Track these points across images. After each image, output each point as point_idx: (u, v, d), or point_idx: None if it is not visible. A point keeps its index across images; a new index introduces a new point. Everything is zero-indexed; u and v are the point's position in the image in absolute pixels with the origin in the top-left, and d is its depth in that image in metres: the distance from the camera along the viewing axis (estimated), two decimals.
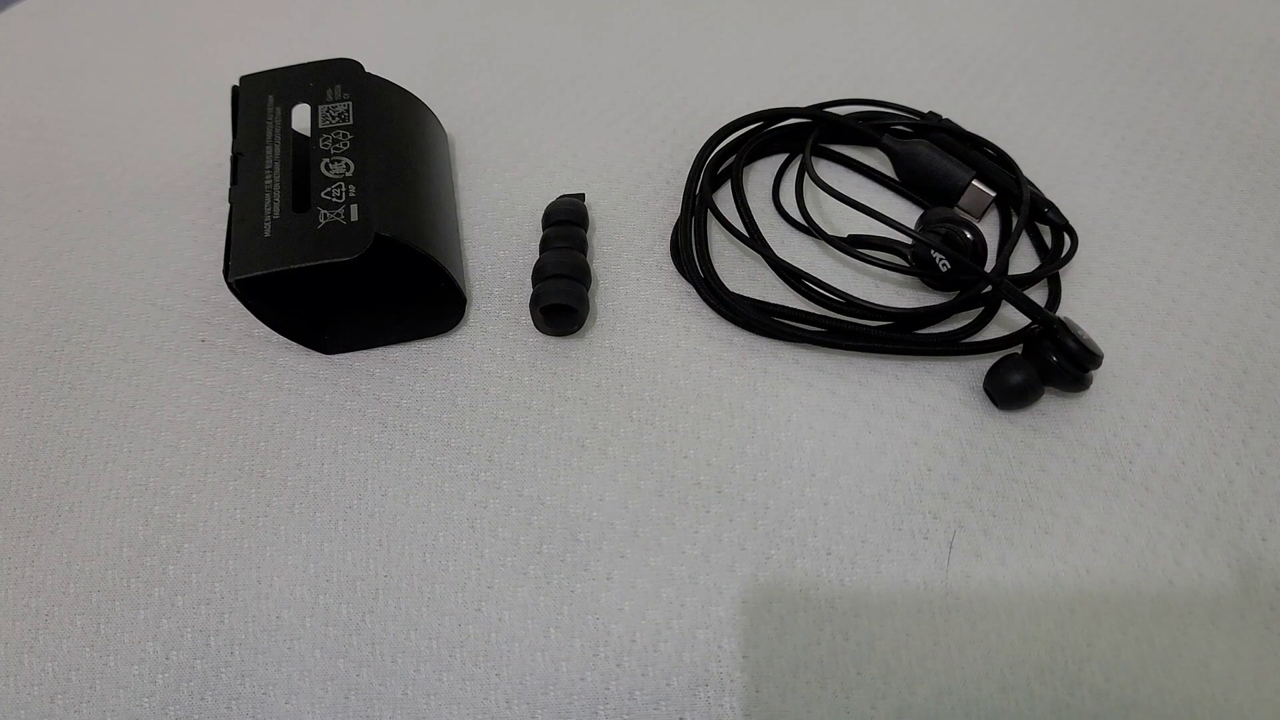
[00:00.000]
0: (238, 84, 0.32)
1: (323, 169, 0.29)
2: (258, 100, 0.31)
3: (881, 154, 0.38)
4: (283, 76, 0.32)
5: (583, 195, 0.36)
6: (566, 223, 0.34)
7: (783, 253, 0.35)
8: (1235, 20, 0.46)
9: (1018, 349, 0.31)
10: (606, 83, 0.42)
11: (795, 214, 0.36)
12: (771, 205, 0.37)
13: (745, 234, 0.34)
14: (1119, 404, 0.31)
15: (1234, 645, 0.26)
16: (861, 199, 0.37)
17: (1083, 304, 0.34)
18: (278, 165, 0.29)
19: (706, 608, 0.27)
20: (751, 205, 0.36)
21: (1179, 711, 0.25)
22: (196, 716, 0.25)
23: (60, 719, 0.25)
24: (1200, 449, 0.30)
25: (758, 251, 0.33)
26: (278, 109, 0.31)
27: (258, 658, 0.26)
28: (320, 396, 0.31)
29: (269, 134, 0.30)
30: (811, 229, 0.34)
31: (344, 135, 0.30)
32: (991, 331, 0.33)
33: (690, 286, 0.34)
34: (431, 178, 0.33)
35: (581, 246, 0.33)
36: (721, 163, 0.37)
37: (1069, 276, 0.34)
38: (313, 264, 0.26)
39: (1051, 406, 0.31)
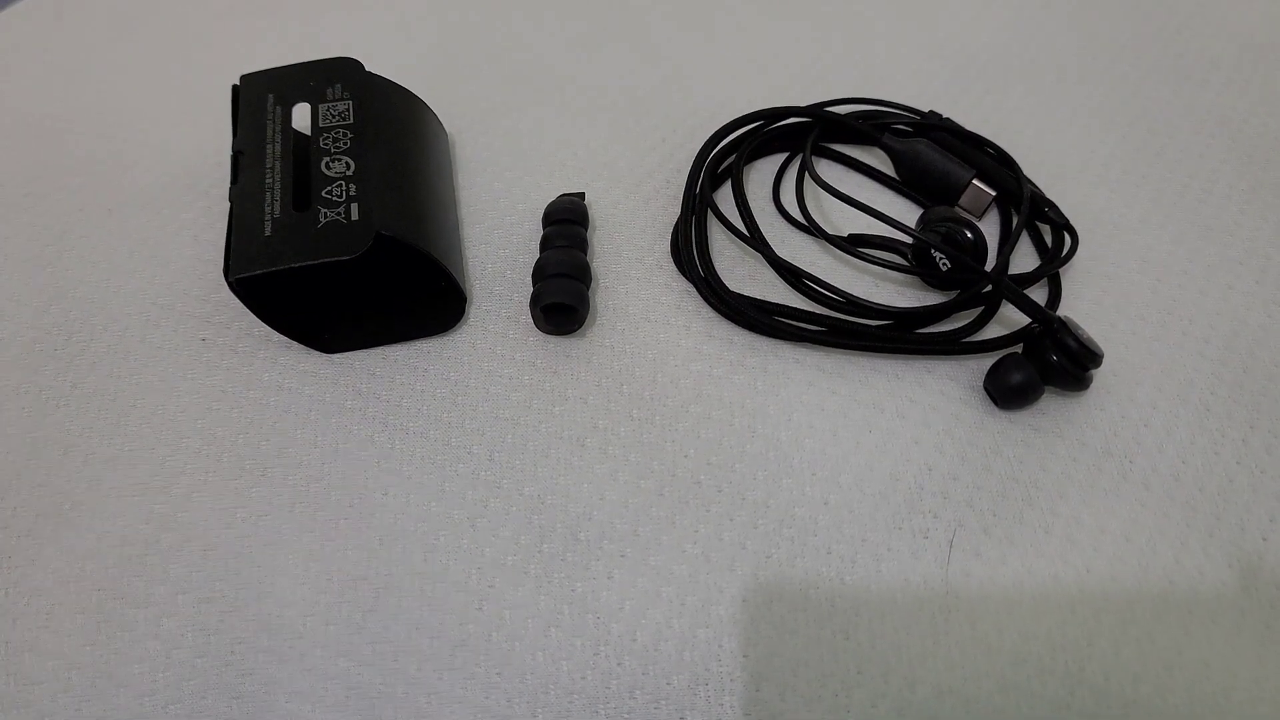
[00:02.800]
0: (238, 83, 0.32)
1: (323, 168, 0.29)
2: (258, 99, 0.31)
3: (882, 153, 0.38)
4: (283, 75, 0.32)
5: (583, 194, 0.36)
6: (567, 221, 0.34)
7: (783, 252, 0.35)
8: (1235, 20, 0.46)
9: (1018, 348, 0.31)
10: (607, 82, 0.42)
11: (795, 213, 0.36)
12: (772, 204, 0.37)
13: (745, 233, 0.34)
14: (1119, 403, 0.31)
15: (1234, 644, 0.26)
16: (862, 198, 0.37)
17: (1083, 303, 0.34)
18: (278, 164, 0.29)
19: (707, 607, 0.27)
20: (752, 204, 0.36)
21: (1179, 710, 0.25)
22: (198, 715, 0.25)
23: (62, 718, 0.25)
24: (1201, 448, 0.30)
25: (758, 251, 0.33)
26: (278, 108, 0.31)
27: (259, 657, 0.26)
28: (321, 395, 0.31)
29: (269, 133, 0.30)
30: (812, 228, 0.34)
31: (344, 134, 0.30)
32: (992, 331, 0.33)
33: (690, 285, 0.34)
34: (431, 176, 0.33)
35: (582, 245, 0.33)
36: (722, 162, 0.37)
37: (1069, 276, 0.34)
38: (313, 263, 0.26)
39: (1052, 406, 0.31)
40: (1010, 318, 0.33)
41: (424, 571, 0.27)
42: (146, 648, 0.26)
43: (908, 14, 0.46)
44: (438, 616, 0.26)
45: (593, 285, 0.34)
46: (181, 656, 0.26)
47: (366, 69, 0.32)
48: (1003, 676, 0.25)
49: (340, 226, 0.27)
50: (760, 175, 0.38)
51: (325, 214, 0.27)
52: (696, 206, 0.35)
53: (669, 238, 0.35)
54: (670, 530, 0.28)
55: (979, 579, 0.27)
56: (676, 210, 0.36)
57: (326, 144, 0.29)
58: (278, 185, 0.28)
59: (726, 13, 0.46)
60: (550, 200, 0.36)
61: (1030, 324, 0.31)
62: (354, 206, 0.28)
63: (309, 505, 0.28)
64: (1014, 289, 0.30)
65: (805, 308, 0.32)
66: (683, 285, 0.34)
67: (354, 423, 0.30)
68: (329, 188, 0.28)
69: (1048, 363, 0.29)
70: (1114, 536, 0.28)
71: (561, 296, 0.31)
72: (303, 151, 0.30)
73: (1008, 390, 0.30)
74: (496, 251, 0.35)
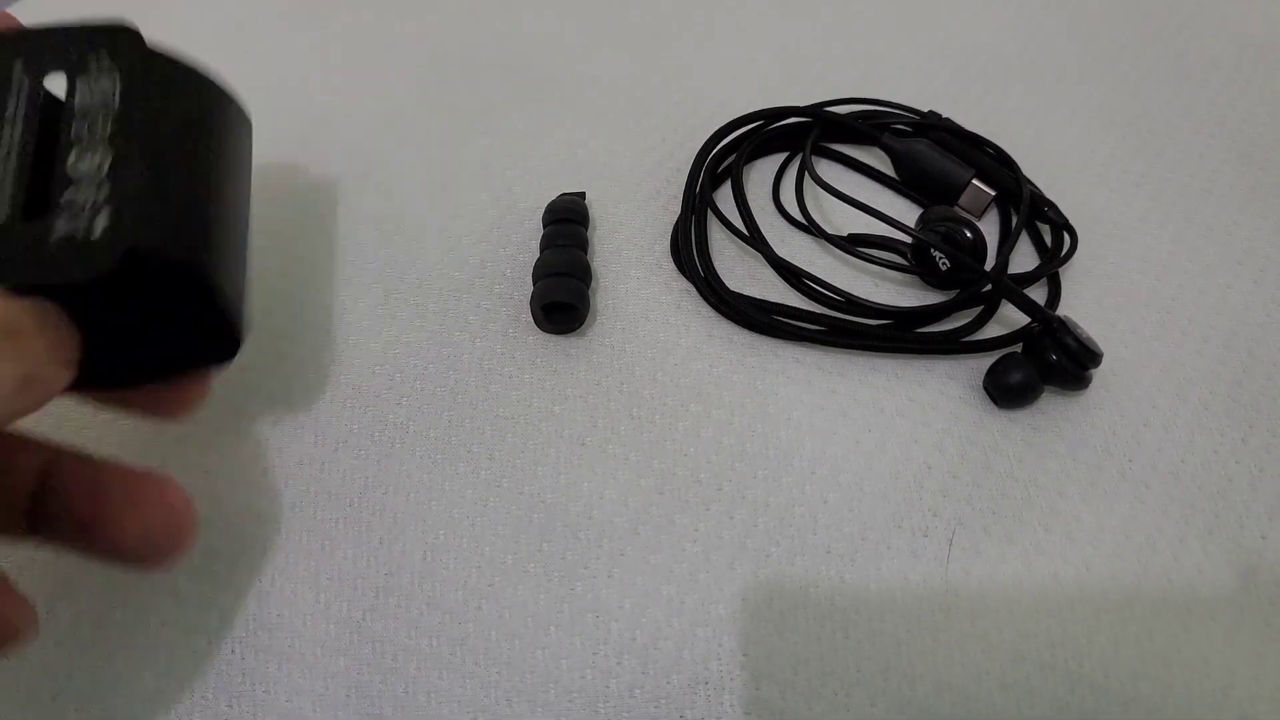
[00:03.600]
0: None
1: (70, 161, 0.21)
2: (3, 65, 0.23)
3: (881, 153, 0.39)
4: (38, 37, 0.23)
5: (583, 194, 0.36)
6: (567, 220, 0.34)
7: (783, 251, 0.35)
8: (1235, 20, 0.46)
9: (1017, 348, 0.31)
10: (607, 82, 0.42)
11: (795, 213, 0.36)
12: (771, 204, 0.37)
13: (745, 233, 0.34)
14: (1118, 402, 0.31)
15: (1233, 641, 0.26)
16: (861, 198, 0.37)
17: (1082, 303, 0.34)
18: (13, 155, 0.21)
19: (706, 605, 0.27)
20: (751, 204, 0.36)
21: (1178, 707, 0.25)
22: (198, 715, 0.25)
23: (62, 719, 0.25)
24: (1199, 447, 0.30)
25: (758, 250, 0.33)
26: (25, 79, 0.23)
27: (259, 656, 0.26)
28: None
29: (10, 109, 0.22)
30: (811, 228, 0.34)
31: (104, 120, 0.22)
32: (991, 330, 0.33)
33: (690, 285, 0.34)
34: (219, 180, 0.25)
35: (582, 244, 0.33)
36: (722, 161, 0.37)
37: (1069, 275, 0.34)
38: (34, 284, 0.19)
39: (1051, 405, 0.31)
40: (1010, 317, 0.33)
41: (423, 571, 0.27)
42: (146, 645, 0.26)
43: (908, 14, 0.46)
44: (437, 615, 0.27)
45: (593, 284, 0.34)
46: (182, 656, 0.26)
47: (148, 43, 0.24)
48: (1002, 674, 0.25)
49: (81, 238, 0.20)
50: (760, 175, 0.38)
51: (63, 222, 0.20)
52: (696, 206, 0.35)
53: (669, 237, 0.35)
54: (670, 529, 0.28)
55: (979, 577, 0.27)
56: (676, 210, 0.36)
57: (79, 131, 0.22)
58: (9, 180, 0.21)
59: (726, 13, 0.46)
60: (550, 199, 0.36)
61: (1030, 323, 0.31)
62: (103, 213, 0.20)
63: (309, 505, 0.28)
64: (1013, 288, 0.30)
65: (805, 307, 0.32)
66: (682, 285, 0.34)
67: (353, 421, 0.30)
68: (73, 187, 0.21)
69: (1047, 362, 0.29)
70: (1113, 534, 0.28)
71: (562, 295, 0.31)
72: (49, 138, 0.22)
73: (1007, 389, 0.30)
74: (496, 250, 0.35)
